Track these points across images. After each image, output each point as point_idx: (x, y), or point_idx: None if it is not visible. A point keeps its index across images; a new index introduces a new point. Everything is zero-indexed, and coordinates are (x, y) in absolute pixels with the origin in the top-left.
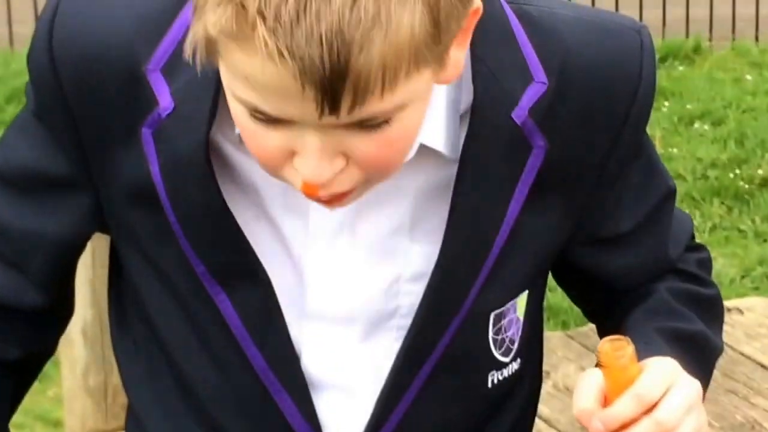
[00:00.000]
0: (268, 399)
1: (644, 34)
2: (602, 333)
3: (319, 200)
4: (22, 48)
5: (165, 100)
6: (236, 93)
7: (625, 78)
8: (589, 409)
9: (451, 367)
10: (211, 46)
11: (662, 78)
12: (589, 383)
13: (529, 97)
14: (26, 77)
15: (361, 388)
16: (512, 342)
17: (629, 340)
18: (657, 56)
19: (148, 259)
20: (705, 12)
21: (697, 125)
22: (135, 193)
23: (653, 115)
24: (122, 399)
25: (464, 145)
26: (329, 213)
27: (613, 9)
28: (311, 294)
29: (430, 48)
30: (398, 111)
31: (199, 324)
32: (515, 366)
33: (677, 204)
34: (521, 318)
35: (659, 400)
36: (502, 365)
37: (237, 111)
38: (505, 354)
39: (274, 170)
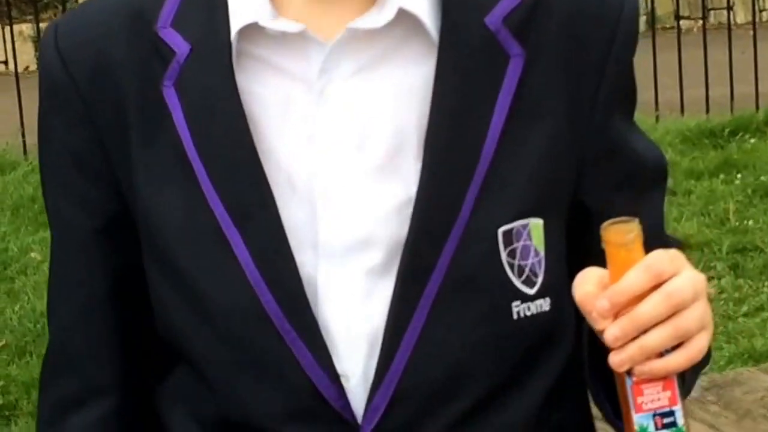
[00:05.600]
0: (284, 352)
1: None
2: None
3: None
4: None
5: (181, 47)
6: None
7: (609, 2)
8: (591, 292)
9: (462, 288)
10: None
11: (733, 151)
12: (589, 273)
13: (503, 7)
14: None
15: (377, 326)
16: (534, 274)
17: (637, 221)
18: (727, 130)
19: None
20: None
21: None
22: (161, 162)
23: (726, 188)
24: None
25: (440, 40)
26: (332, 125)
27: (678, 87)
28: (323, 224)
29: None
30: None
31: (213, 280)
32: (544, 306)
33: (757, 276)
34: (541, 251)
35: (668, 278)
36: (526, 297)
37: None
38: (528, 285)
39: None
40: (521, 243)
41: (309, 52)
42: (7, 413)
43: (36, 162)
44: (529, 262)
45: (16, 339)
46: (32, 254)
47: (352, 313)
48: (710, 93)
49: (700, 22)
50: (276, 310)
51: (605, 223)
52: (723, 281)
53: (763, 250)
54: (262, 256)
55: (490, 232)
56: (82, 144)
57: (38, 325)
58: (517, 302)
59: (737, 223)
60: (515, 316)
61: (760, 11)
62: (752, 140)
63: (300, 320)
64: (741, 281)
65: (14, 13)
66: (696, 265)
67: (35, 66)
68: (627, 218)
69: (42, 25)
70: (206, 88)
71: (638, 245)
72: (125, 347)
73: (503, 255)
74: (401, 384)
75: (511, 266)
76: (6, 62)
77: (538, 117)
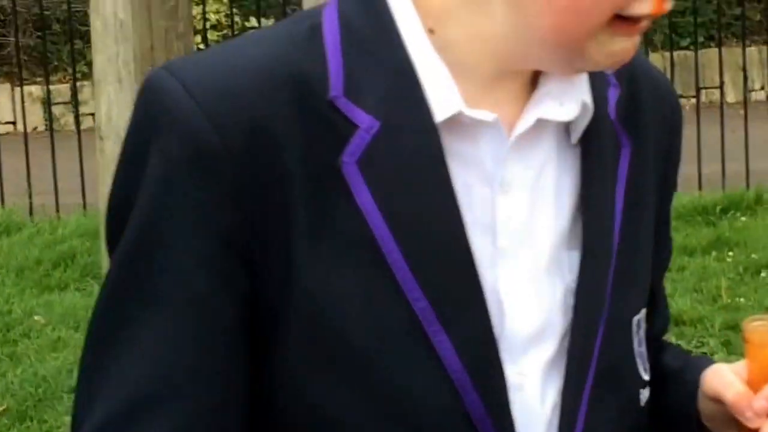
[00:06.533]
0: None
1: None
2: None
3: (661, 10)
4: (67, 216)
5: (365, 121)
6: None
7: (664, 81)
8: (744, 392)
9: (608, 379)
10: None
11: (725, 229)
12: (726, 372)
13: (612, 98)
14: (70, 242)
15: (551, 418)
16: (647, 359)
17: None
18: (719, 208)
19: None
20: (764, 165)
21: (763, 274)
22: (336, 244)
23: (718, 265)
24: None
25: (586, 132)
26: (510, 217)
27: None
28: (509, 320)
29: None
30: None
31: (406, 376)
32: (648, 390)
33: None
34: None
35: None
36: (644, 384)
37: None
38: (645, 371)
39: (600, 24)
40: (641, 330)
41: (488, 139)
42: None
43: (42, 225)
44: (644, 347)
45: (17, 403)
46: (36, 317)
47: (536, 409)
48: (703, 169)
49: (693, 100)
50: (481, 414)
51: (746, 322)
52: (715, 357)
53: None
54: (471, 360)
55: (626, 322)
56: (230, 223)
57: (39, 390)
58: (641, 389)
59: (729, 300)
60: (641, 404)
61: (750, 91)
62: (743, 218)
63: (502, 422)
64: (733, 357)
65: (24, 74)
66: (689, 340)
67: (44, 127)
68: (761, 316)
69: (52, 87)
70: (407, 170)
71: None
72: None
73: (635, 343)
74: None
75: (639, 355)
76: (14, 123)
77: (643, 206)
